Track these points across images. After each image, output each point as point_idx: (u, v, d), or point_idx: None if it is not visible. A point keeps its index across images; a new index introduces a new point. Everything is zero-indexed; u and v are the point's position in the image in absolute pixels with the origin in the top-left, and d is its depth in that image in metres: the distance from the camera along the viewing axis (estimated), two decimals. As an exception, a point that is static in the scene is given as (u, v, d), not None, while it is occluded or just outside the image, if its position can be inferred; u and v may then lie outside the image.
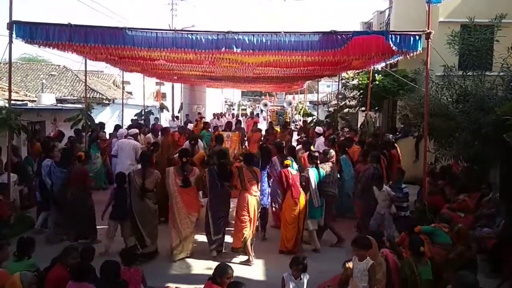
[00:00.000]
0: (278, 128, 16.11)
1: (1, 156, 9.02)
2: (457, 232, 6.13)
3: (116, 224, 7.35)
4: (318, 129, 12.58)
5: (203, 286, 5.14)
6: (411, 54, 7.98)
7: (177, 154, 7.65)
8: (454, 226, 6.25)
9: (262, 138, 13.58)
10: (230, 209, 7.60)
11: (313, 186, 7.36)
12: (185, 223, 7.02)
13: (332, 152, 8.19)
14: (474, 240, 6.70)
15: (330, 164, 7.85)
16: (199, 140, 9.92)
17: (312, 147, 10.17)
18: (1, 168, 8.68)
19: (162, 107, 23.29)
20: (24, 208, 9.30)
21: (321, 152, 8.41)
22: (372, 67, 12.05)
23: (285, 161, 7.49)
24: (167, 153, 9.26)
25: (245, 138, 14.34)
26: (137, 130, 11.68)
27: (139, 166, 7.75)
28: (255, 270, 6.74)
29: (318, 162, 7.65)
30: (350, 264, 5.15)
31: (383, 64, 11.46)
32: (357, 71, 14.74)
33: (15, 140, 10.02)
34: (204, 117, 21.82)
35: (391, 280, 5.52)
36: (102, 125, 13.16)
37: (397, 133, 13.45)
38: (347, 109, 18.05)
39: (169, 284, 6.07)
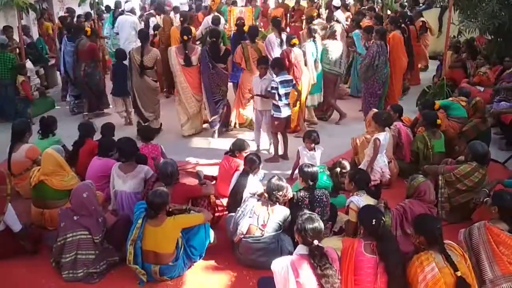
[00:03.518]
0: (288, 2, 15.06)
1: (13, 36, 8.89)
2: (473, 105, 6.11)
3: (120, 100, 7.53)
4: (336, 2, 11.53)
5: (220, 160, 5.42)
6: None
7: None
8: (472, 100, 6.21)
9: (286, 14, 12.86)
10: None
11: (308, 62, 7.01)
12: (191, 101, 7.00)
13: (337, 26, 7.73)
14: (490, 114, 6.69)
15: (335, 40, 7.49)
16: (221, 17, 9.44)
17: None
18: (15, 50, 8.64)
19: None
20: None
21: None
22: None
23: (292, 40, 6.77)
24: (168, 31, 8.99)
25: (259, 14, 13.61)
26: (130, 5, 11.22)
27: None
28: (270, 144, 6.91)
29: (316, 36, 7.27)
30: (356, 138, 5.48)
31: None
32: None
33: (24, 19, 9.80)
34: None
35: (403, 152, 5.71)
36: (117, 3, 12.58)
37: (421, 4, 12.68)
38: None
39: (189, 159, 6.37)
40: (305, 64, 6.93)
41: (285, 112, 6.05)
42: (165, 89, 9.22)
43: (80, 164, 5.24)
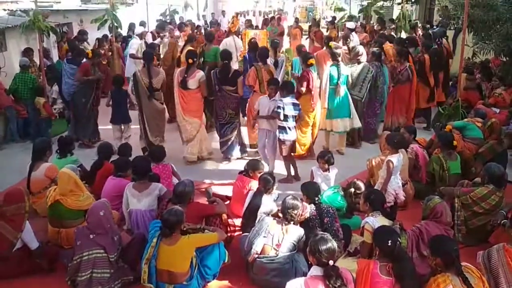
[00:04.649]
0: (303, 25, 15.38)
1: (33, 58, 9.15)
2: (489, 126, 6.09)
3: (119, 127, 7.37)
4: (350, 24, 11.66)
5: (234, 181, 5.44)
6: None
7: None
8: (488, 121, 6.17)
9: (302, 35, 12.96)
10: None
11: (324, 85, 6.95)
12: (182, 125, 6.81)
13: (360, 48, 7.54)
14: (506, 135, 6.62)
15: (358, 64, 7.29)
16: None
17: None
18: (36, 71, 8.88)
19: (186, 5, 22.52)
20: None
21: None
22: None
23: (309, 60, 6.72)
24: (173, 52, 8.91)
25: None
26: (143, 29, 11.42)
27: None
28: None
29: (339, 60, 7.09)
30: (372, 160, 5.46)
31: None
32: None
33: (45, 42, 10.08)
34: (238, 13, 20.82)
35: (420, 174, 5.68)
36: (131, 25, 12.92)
37: (434, 27, 12.74)
38: (381, 2, 16.98)
39: (204, 179, 6.40)
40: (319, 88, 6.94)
41: (292, 135, 6.02)
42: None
43: (96, 186, 5.27)
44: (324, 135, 7.45)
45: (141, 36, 11.04)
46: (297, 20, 16.03)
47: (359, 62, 7.34)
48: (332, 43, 7.97)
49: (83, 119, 7.72)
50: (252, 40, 8.68)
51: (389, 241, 3.22)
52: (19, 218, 4.06)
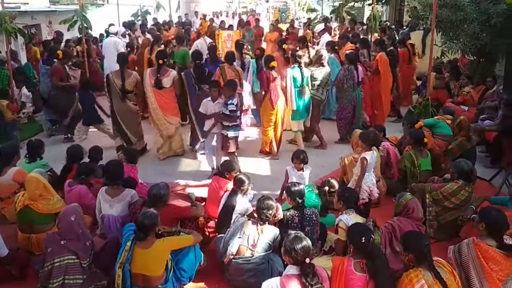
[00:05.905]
0: (282, 26, 15.46)
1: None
2: (458, 123, 6.24)
3: (86, 128, 7.49)
4: (317, 28, 11.66)
5: (209, 181, 5.42)
6: None
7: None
8: (457, 119, 6.33)
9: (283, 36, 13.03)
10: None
11: (288, 88, 7.02)
12: (162, 123, 6.93)
13: (324, 52, 7.73)
14: (475, 132, 6.81)
15: (321, 66, 7.43)
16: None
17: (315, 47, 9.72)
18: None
19: (158, 6, 22.27)
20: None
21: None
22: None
23: (271, 63, 6.88)
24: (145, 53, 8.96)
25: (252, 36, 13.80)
26: (117, 28, 11.48)
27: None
28: (259, 165, 6.94)
29: (301, 62, 7.14)
30: (344, 158, 5.57)
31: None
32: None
33: (12, 44, 9.81)
34: (206, 15, 20.81)
35: (392, 171, 5.78)
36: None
37: (404, 27, 13.01)
38: (352, 3, 17.21)
39: (178, 180, 6.35)
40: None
41: (237, 132, 6.31)
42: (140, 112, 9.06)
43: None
44: (293, 136, 7.56)
45: (116, 34, 10.92)
46: (276, 22, 16.07)
47: (322, 65, 7.49)
48: (285, 46, 8.29)
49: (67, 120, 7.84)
50: (210, 45, 8.68)
51: (363, 238, 3.27)
52: (-13, 225, 3.93)
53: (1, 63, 8.10)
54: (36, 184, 4.38)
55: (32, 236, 4.40)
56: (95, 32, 13.10)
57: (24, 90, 8.77)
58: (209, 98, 6.27)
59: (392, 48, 8.87)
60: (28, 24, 12.35)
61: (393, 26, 12.63)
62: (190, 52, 8.49)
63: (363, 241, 3.26)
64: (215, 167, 6.46)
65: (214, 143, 6.42)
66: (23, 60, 10.95)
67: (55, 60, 8.11)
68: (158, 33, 10.89)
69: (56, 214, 4.11)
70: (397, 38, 10.76)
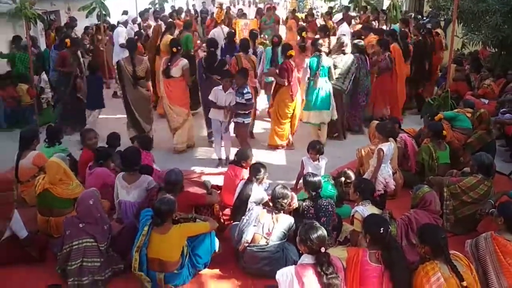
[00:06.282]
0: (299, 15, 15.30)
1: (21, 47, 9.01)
2: (478, 116, 6.15)
3: (94, 113, 7.44)
4: (335, 17, 11.40)
5: (225, 169, 5.44)
6: None
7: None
8: (477, 112, 6.23)
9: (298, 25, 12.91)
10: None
11: (305, 77, 6.87)
12: (169, 113, 6.79)
13: (345, 39, 7.45)
14: (495, 125, 6.70)
15: (342, 54, 7.20)
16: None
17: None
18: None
19: (176, -7, 22.20)
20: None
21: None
22: None
23: (289, 51, 6.66)
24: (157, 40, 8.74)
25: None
26: (126, 17, 11.49)
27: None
28: (274, 155, 6.93)
29: (321, 50, 6.90)
30: (361, 149, 5.53)
31: None
32: None
33: (32, 30, 9.92)
34: (222, 3, 20.72)
35: (409, 163, 5.73)
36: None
37: (424, 18, 12.77)
38: (372, -8, 16.93)
39: (194, 168, 6.39)
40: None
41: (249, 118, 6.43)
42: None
43: (81, 174, 5.26)
44: (309, 128, 7.39)
45: (125, 24, 10.95)
46: (293, 11, 15.93)
47: (344, 53, 7.26)
48: (304, 34, 8.15)
49: (66, 106, 7.69)
50: (228, 32, 8.65)
51: (381, 229, 3.24)
52: (7, 206, 4.02)
53: (23, 48, 8.23)
54: (57, 169, 4.45)
55: (51, 219, 4.48)
56: (113, 20, 13.11)
57: (43, 75, 8.94)
58: (221, 87, 6.22)
59: (420, 38, 8.72)
60: (48, 10, 12.43)
61: (419, 16, 12.36)
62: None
63: (381, 231, 3.24)
64: (222, 158, 6.48)
65: (232, 133, 6.42)
66: (42, 46, 11.06)
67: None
68: (170, 20, 10.84)
69: (75, 199, 4.18)
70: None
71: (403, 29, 9.55)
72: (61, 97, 7.72)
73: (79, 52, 7.94)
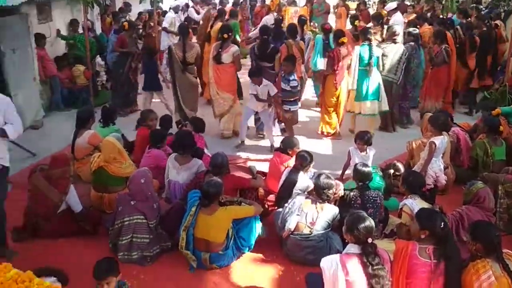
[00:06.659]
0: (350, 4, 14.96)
1: (78, 30, 9.36)
2: (539, 113, 5.83)
3: (149, 95, 7.53)
4: (389, 6, 10.96)
5: (268, 156, 5.46)
6: None
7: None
8: (536, 107, 5.92)
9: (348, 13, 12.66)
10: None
11: (353, 66, 6.67)
12: (215, 100, 6.85)
13: (397, 28, 7.12)
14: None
15: (393, 43, 6.92)
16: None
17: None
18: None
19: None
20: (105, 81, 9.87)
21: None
22: None
23: (341, 38, 6.57)
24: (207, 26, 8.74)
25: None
26: (176, 3, 11.58)
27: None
28: (321, 144, 6.88)
29: (371, 39, 6.73)
30: (412, 142, 5.38)
31: None
32: None
33: (88, 14, 10.27)
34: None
35: (461, 158, 5.53)
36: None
37: (483, 8, 12.16)
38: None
39: (240, 153, 6.46)
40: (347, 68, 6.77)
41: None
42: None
43: (135, 152, 5.49)
44: (350, 118, 7.24)
45: (176, 9, 11.09)
46: (344, 0, 15.60)
47: (395, 42, 6.99)
48: (357, 22, 8.03)
49: (121, 88, 7.99)
50: (275, 19, 8.62)
51: (441, 225, 3.15)
52: (64, 181, 4.22)
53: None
54: (112, 148, 4.65)
55: (105, 195, 4.70)
56: (166, 6, 13.34)
57: (98, 59, 9.27)
58: (253, 84, 6.30)
59: (485, 29, 8.36)
60: (103, -6, 12.80)
61: (481, 6, 11.78)
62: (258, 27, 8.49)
63: (442, 226, 3.15)
64: (243, 140, 6.67)
65: (268, 116, 6.55)
66: (98, 30, 11.42)
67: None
68: (221, 6, 10.89)
69: (128, 178, 4.34)
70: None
71: (466, 20, 9.10)
72: (118, 78, 8.00)
73: (132, 36, 8.22)
